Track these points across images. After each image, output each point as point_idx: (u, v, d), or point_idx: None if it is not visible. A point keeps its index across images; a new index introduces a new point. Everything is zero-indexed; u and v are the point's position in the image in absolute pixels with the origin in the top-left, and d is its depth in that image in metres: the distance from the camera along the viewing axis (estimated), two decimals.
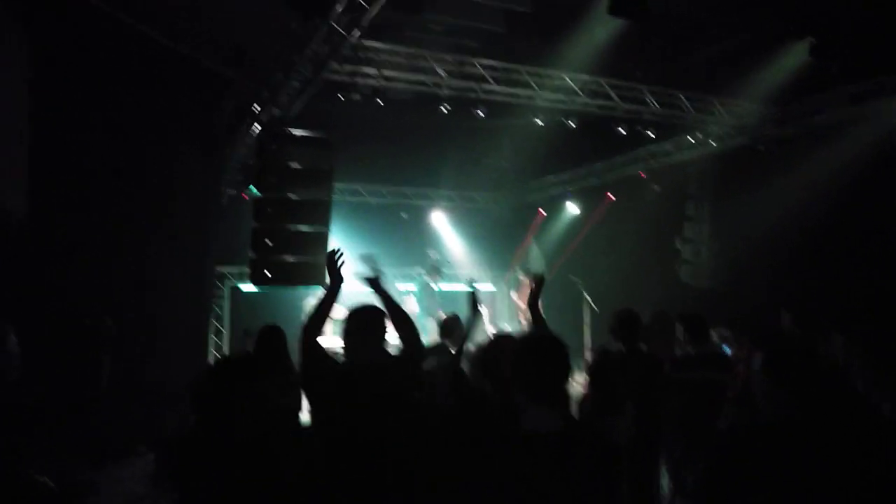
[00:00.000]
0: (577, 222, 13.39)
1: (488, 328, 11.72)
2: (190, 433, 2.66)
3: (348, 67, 7.49)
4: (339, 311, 3.33)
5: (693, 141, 10.02)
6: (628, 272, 11.19)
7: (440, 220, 14.49)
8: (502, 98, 8.54)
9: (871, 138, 7.96)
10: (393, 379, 3.05)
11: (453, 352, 4.26)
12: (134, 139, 7.61)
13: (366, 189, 13.57)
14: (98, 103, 7.17)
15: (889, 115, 7.87)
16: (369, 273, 3.29)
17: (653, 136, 9.24)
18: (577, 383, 4.58)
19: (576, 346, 10.00)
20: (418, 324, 3.40)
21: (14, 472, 3.53)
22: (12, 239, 6.30)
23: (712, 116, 9.55)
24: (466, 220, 14.89)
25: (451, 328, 5.55)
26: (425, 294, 11.30)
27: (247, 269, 8.35)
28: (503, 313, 14.42)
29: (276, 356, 4.41)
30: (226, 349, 11.43)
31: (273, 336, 4.52)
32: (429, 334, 8.21)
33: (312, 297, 10.51)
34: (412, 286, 12.01)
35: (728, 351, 6.20)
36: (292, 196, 8.04)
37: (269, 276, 7.93)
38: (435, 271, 11.62)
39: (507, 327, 11.90)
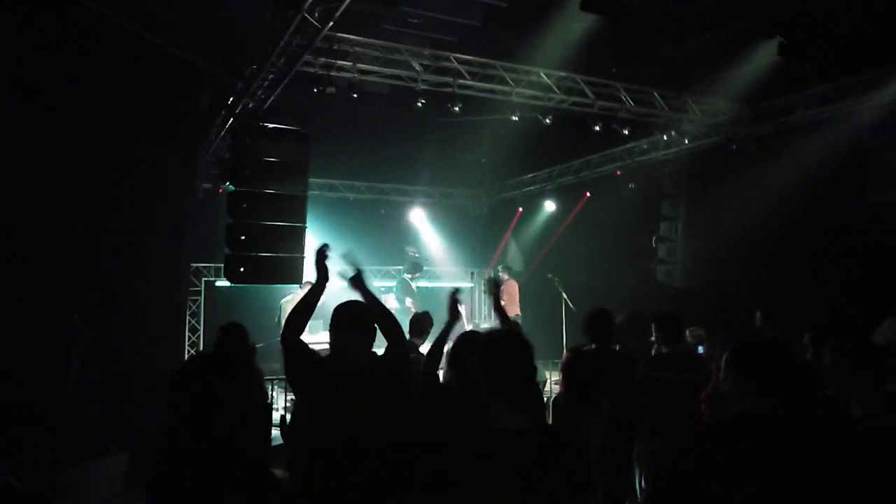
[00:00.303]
0: (554, 220, 13.43)
1: (466, 326, 11.75)
2: (165, 430, 2.61)
3: (322, 60, 7.42)
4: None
5: (666, 139, 10.07)
6: (605, 271, 11.24)
7: (418, 217, 14.45)
8: (478, 94, 8.52)
9: (842, 137, 8.07)
10: (381, 377, 3.01)
11: (422, 350, 4.23)
12: (107, 132, 7.48)
13: (343, 185, 13.50)
14: (70, 96, 7.04)
15: (858, 115, 7.98)
16: (350, 271, 3.25)
17: (626, 133, 9.26)
18: (554, 382, 4.57)
19: (553, 343, 10.01)
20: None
21: None
22: None
23: (686, 114, 9.62)
24: (445, 216, 14.87)
25: (421, 325, 5.53)
26: (404, 291, 11.23)
27: (222, 265, 8.27)
28: (481, 311, 14.42)
29: (238, 354, 4.33)
30: (202, 346, 11.30)
31: (235, 333, 4.45)
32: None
33: (291, 294, 10.46)
34: (391, 283, 11.97)
35: (702, 350, 6.24)
36: (267, 190, 7.96)
37: (244, 272, 7.84)
38: (415, 268, 11.57)
39: (485, 325, 11.92)
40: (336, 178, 13.24)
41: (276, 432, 5.22)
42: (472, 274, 13.87)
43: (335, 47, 7.40)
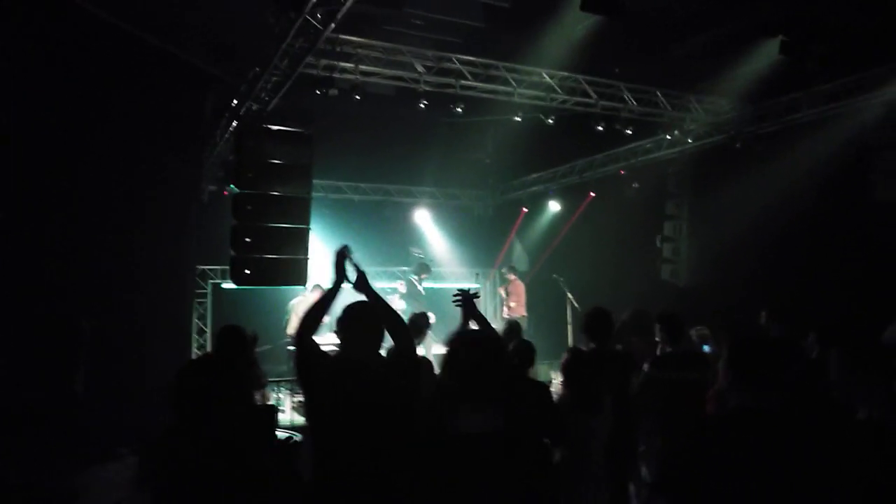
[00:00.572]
0: (559, 220, 13.42)
1: (471, 326, 11.71)
2: (169, 433, 2.62)
3: (325, 62, 7.44)
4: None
5: (671, 138, 10.06)
6: (610, 270, 11.23)
7: (423, 218, 14.46)
8: (481, 94, 8.53)
9: (847, 134, 8.04)
10: (389, 377, 3.01)
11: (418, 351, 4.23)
12: (113, 136, 7.50)
13: (348, 186, 13.51)
14: (75, 101, 7.07)
15: (863, 113, 7.95)
16: (353, 273, 3.25)
17: (629, 133, 9.25)
18: (557, 382, 4.58)
19: (559, 344, 10.01)
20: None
21: None
22: None
23: (689, 114, 9.60)
24: (449, 217, 14.87)
25: (417, 326, 5.56)
26: (411, 294, 11.18)
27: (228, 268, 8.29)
28: (486, 311, 14.42)
29: (236, 356, 4.33)
30: (209, 348, 11.33)
31: (232, 335, 4.45)
32: None
33: (300, 297, 10.47)
34: (397, 284, 11.96)
35: (707, 349, 6.23)
36: (271, 192, 7.98)
37: (249, 274, 7.86)
38: (423, 269, 11.50)
39: (494, 325, 11.89)
40: (341, 179, 13.26)
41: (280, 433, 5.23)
42: (477, 274, 13.86)
43: (338, 49, 7.42)
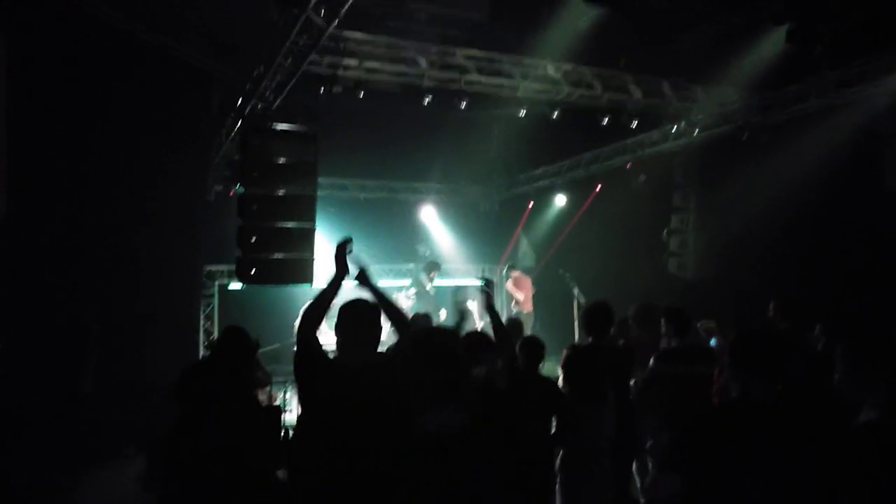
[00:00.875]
0: (565, 214, 13.37)
1: (478, 323, 11.71)
2: (172, 433, 2.62)
3: (329, 59, 7.42)
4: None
5: (676, 129, 9.99)
6: (617, 264, 11.18)
7: (429, 214, 14.43)
8: (485, 89, 8.48)
9: (856, 123, 7.94)
10: (385, 376, 2.98)
11: None
12: (119, 136, 7.54)
13: (353, 184, 13.51)
14: (82, 101, 7.10)
15: (872, 101, 7.85)
16: (356, 268, 3.23)
17: (634, 125, 9.19)
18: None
19: (565, 339, 9.97)
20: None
21: None
22: None
23: (696, 105, 9.52)
24: (455, 213, 14.84)
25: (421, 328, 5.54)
26: (418, 292, 11.02)
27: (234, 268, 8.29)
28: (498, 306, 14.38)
29: (237, 357, 4.31)
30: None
31: (233, 337, 4.43)
32: None
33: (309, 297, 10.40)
34: (405, 281, 11.94)
35: (714, 343, 6.20)
36: (277, 191, 7.97)
37: (255, 273, 7.87)
38: (433, 267, 11.41)
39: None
40: (346, 177, 13.25)
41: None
42: (484, 270, 13.84)
43: (341, 46, 7.39)
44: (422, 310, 10.38)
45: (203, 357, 9.47)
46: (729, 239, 9.47)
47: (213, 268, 11.48)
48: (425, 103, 8.20)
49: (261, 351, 7.77)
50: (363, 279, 3.22)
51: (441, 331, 2.51)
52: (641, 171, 11.31)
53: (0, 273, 6.33)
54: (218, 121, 9.73)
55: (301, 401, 3.04)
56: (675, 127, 10.03)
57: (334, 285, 3.15)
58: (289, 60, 7.24)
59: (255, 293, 10.66)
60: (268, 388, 5.03)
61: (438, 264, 11.57)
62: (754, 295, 7.11)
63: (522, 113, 8.86)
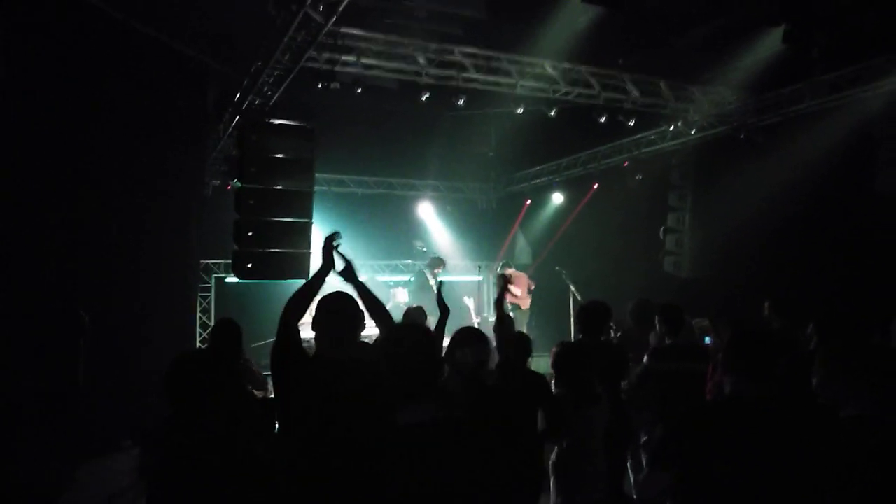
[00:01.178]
0: (562, 212, 13.41)
1: (475, 319, 11.74)
2: (164, 425, 2.64)
3: (327, 55, 7.43)
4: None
5: (673, 129, 10.03)
6: (613, 262, 11.22)
7: (426, 211, 14.45)
8: (483, 87, 8.51)
9: (850, 125, 7.99)
10: (365, 375, 2.98)
11: None
12: (115, 130, 7.53)
13: (351, 180, 13.52)
14: (78, 95, 7.09)
15: (866, 103, 7.90)
16: (341, 263, 3.25)
17: (631, 124, 9.23)
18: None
19: (562, 336, 10.01)
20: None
21: None
22: None
23: (693, 104, 9.57)
24: (453, 210, 14.87)
25: (414, 320, 5.58)
26: (422, 289, 11.03)
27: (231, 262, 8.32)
28: (490, 304, 14.43)
29: (230, 349, 4.33)
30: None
31: (226, 329, 4.44)
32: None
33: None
34: (400, 277, 11.96)
35: (708, 341, 6.23)
36: (274, 186, 8.00)
37: (252, 267, 7.90)
38: (437, 263, 11.36)
39: (493, 318, 11.89)
40: (344, 173, 13.27)
41: None
42: (480, 267, 13.86)
43: (339, 42, 7.41)
44: (427, 306, 10.37)
45: (195, 348, 9.49)
46: (724, 238, 9.52)
47: (211, 262, 11.50)
48: (423, 100, 8.20)
49: (257, 344, 7.80)
50: (348, 274, 3.23)
51: (415, 328, 2.53)
52: (638, 171, 11.35)
53: None
54: (215, 116, 9.73)
55: (277, 394, 2.99)
56: (672, 127, 10.08)
57: (319, 278, 3.14)
58: (287, 56, 7.26)
59: (253, 287, 10.68)
60: (265, 381, 5.05)
61: (443, 260, 11.53)
62: (749, 294, 7.16)
63: (520, 110, 8.87)
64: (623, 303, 5.89)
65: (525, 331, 11.33)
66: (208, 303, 11.62)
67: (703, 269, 10.31)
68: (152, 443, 2.72)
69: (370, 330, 3.28)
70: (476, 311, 12.16)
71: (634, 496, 4.83)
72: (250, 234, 7.85)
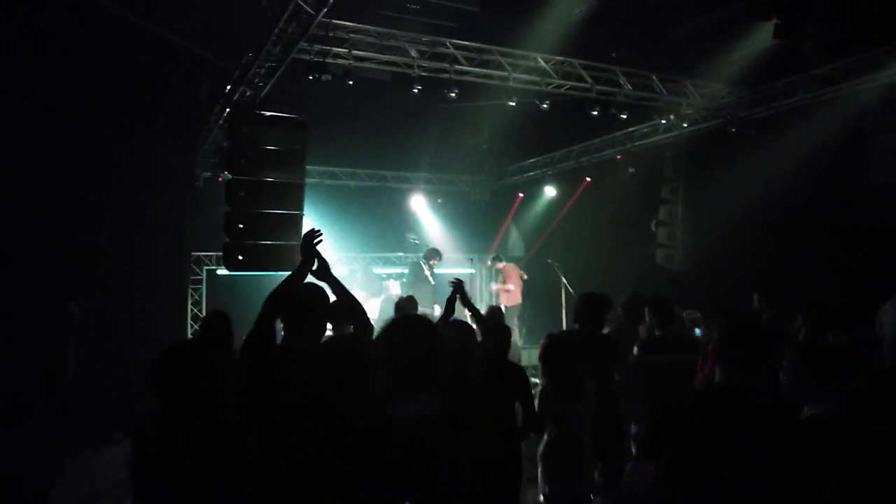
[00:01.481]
0: (555, 205, 13.42)
1: (466, 312, 11.70)
2: (151, 418, 2.62)
3: (318, 47, 7.39)
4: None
5: (666, 123, 10.05)
6: (605, 255, 11.25)
7: (419, 203, 14.43)
8: (475, 80, 8.48)
9: (843, 118, 8.01)
10: (333, 366, 2.94)
11: None
12: (105, 122, 7.47)
13: (343, 172, 13.49)
14: (70, 86, 7.03)
15: (859, 96, 7.92)
16: (316, 262, 3.21)
17: (624, 118, 9.23)
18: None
19: (553, 328, 10.02)
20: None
21: None
22: None
23: (685, 98, 9.57)
24: (445, 202, 14.85)
25: (405, 310, 5.58)
26: (417, 280, 10.98)
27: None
28: (482, 297, 14.44)
29: (219, 340, 4.32)
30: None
31: (218, 322, 4.43)
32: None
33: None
34: (392, 269, 11.92)
35: (699, 333, 6.25)
36: (265, 178, 7.96)
37: (242, 260, 7.86)
38: (433, 255, 11.28)
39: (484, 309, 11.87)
40: (336, 165, 13.23)
41: None
42: (472, 260, 13.87)
43: (330, 34, 7.37)
44: (422, 298, 10.34)
45: (183, 340, 9.46)
46: (716, 231, 9.55)
47: (202, 254, 11.46)
48: (415, 92, 8.17)
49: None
50: (322, 272, 3.20)
51: (420, 318, 2.51)
52: (631, 164, 11.36)
53: None
54: (207, 107, 9.68)
55: (248, 388, 2.95)
56: (665, 120, 10.08)
57: (298, 277, 3.11)
58: (278, 48, 7.22)
59: (244, 279, 10.64)
60: None
61: (439, 252, 11.44)
62: (740, 286, 7.18)
63: (513, 103, 8.85)
64: (615, 296, 5.89)
65: (516, 323, 11.39)
66: (200, 295, 11.59)
67: (694, 262, 10.35)
68: (139, 437, 2.69)
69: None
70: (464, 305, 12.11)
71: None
72: (241, 226, 7.81)
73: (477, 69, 8.28)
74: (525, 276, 11.89)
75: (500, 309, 6.51)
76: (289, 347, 2.99)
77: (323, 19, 6.59)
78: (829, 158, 7.93)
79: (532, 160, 13.65)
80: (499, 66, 8.36)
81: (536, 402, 4.26)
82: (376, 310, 11.05)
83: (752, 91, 9.14)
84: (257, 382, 2.87)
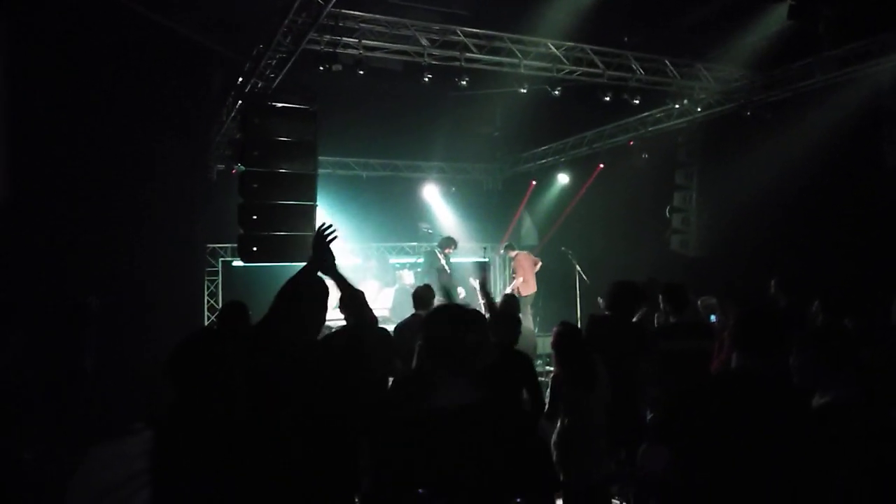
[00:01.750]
0: (568, 192, 13.36)
1: (481, 300, 11.68)
2: (171, 411, 2.63)
3: (328, 37, 7.38)
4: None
5: (679, 107, 9.95)
6: (619, 242, 11.20)
7: (432, 193, 14.41)
8: (486, 67, 8.44)
9: (859, 100, 7.90)
10: (326, 356, 2.93)
11: None
12: (120, 117, 7.54)
13: (356, 162, 13.49)
14: (81, 82, 7.09)
15: (875, 78, 7.80)
16: (325, 259, 3.20)
17: (636, 103, 9.14)
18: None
19: (568, 317, 10.00)
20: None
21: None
22: None
23: (699, 82, 9.47)
24: (458, 191, 14.81)
25: (423, 299, 5.59)
26: (431, 267, 10.86)
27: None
28: (496, 285, 14.43)
29: (239, 332, 4.32)
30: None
31: (234, 313, 4.43)
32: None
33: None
34: (406, 259, 11.91)
35: (714, 319, 6.22)
36: (277, 170, 7.98)
37: (257, 251, 7.90)
38: (448, 242, 11.23)
39: (498, 299, 11.88)
40: (349, 155, 13.23)
41: None
42: (486, 248, 13.84)
43: (340, 24, 7.36)
44: (437, 287, 10.22)
45: (196, 330, 9.54)
46: (731, 216, 9.48)
47: (217, 245, 11.51)
48: (425, 80, 8.14)
49: None
50: (329, 268, 3.17)
51: (459, 305, 2.47)
52: (644, 149, 11.28)
53: (2, 255, 6.36)
54: (219, 99, 9.71)
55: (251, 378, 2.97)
56: (678, 105, 9.99)
57: (309, 273, 3.07)
58: (288, 39, 7.22)
59: (260, 270, 10.69)
60: None
61: (454, 241, 11.35)
62: (756, 272, 7.13)
63: (524, 90, 8.80)
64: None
65: (530, 312, 11.37)
66: (216, 286, 11.65)
67: (709, 248, 10.29)
68: (158, 427, 2.71)
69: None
70: (481, 294, 12.11)
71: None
72: (255, 217, 7.84)
73: (488, 56, 8.24)
74: (540, 263, 11.84)
75: (514, 298, 6.50)
76: (287, 336, 2.97)
77: (332, 9, 6.59)
78: (845, 141, 7.83)
79: (545, 147, 13.57)
80: (509, 53, 8.32)
81: (549, 389, 4.26)
82: (390, 299, 11.07)
83: (767, 74, 9.02)
84: (261, 373, 2.88)
